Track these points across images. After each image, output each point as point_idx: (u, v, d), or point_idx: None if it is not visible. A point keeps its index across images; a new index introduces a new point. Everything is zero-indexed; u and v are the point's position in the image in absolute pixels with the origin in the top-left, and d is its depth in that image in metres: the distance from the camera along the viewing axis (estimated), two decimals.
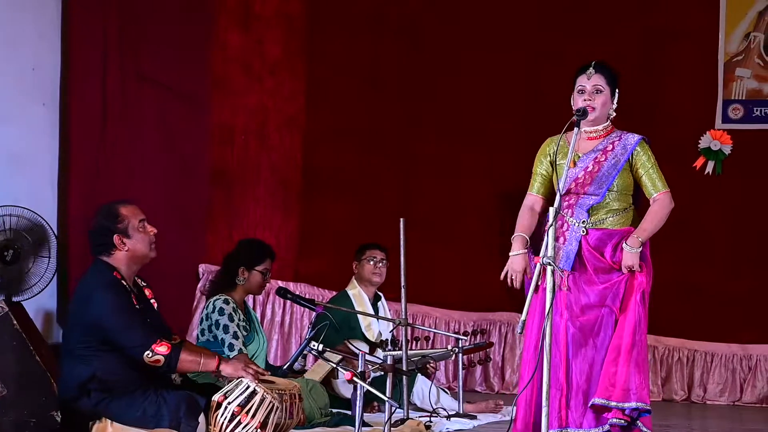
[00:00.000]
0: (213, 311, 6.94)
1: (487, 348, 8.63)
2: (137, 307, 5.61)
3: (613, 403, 5.49)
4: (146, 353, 5.47)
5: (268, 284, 7.46)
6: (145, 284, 5.86)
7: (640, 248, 5.61)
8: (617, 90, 5.78)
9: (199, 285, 9.11)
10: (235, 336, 6.82)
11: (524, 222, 5.79)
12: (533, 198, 5.86)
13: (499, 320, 9.65)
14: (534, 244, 5.69)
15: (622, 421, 5.51)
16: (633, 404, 5.49)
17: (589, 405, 5.53)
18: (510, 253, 5.71)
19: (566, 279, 5.63)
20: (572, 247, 5.65)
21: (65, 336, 5.73)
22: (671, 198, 5.72)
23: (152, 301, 5.82)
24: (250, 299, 8.41)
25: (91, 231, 5.73)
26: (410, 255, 7.09)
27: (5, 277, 7.28)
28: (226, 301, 6.96)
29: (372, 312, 8.12)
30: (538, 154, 5.89)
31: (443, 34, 9.80)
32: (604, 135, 5.78)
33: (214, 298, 7.00)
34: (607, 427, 5.53)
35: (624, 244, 5.61)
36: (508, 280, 5.69)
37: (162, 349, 5.48)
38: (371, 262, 8.22)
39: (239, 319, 6.96)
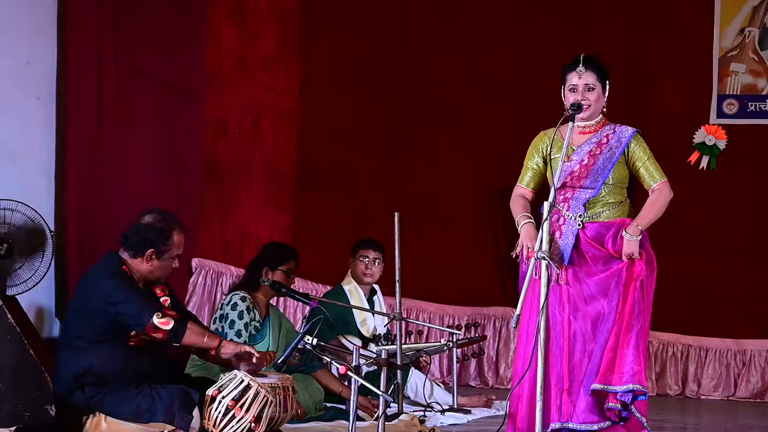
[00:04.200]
0: (227, 304, 6.95)
1: (480, 341, 8.62)
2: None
3: (610, 388, 5.42)
4: (155, 314, 5.47)
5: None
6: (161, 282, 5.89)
7: (640, 236, 5.60)
8: (608, 82, 5.77)
9: (191, 279, 9.10)
10: (238, 334, 6.80)
11: (520, 205, 5.76)
12: (523, 190, 5.84)
13: (493, 315, 9.63)
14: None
15: (618, 405, 5.41)
16: (629, 386, 5.39)
17: (589, 391, 5.46)
18: (519, 227, 5.64)
19: (564, 273, 5.63)
20: (569, 241, 5.63)
21: (64, 327, 5.72)
22: (670, 187, 5.72)
23: (163, 299, 5.82)
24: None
25: (139, 230, 5.73)
26: (404, 249, 7.09)
27: None
28: (243, 299, 6.94)
29: (367, 307, 8.10)
30: (531, 147, 5.87)
31: (436, 30, 9.77)
32: (598, 128, 5.78)
33: (234, 292, 7.02)
34: (609, 422, 5.48)
35: (624, 232, 5.60)
36: (524, 253, 5.56)
37: (171, 313, 5.53)
38: (363, 262, 8.17)
39: (252, 319, 6.95)
